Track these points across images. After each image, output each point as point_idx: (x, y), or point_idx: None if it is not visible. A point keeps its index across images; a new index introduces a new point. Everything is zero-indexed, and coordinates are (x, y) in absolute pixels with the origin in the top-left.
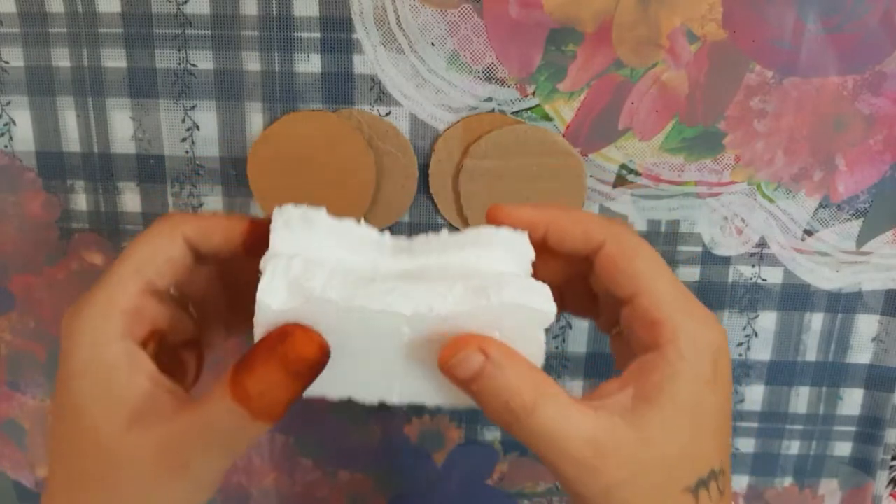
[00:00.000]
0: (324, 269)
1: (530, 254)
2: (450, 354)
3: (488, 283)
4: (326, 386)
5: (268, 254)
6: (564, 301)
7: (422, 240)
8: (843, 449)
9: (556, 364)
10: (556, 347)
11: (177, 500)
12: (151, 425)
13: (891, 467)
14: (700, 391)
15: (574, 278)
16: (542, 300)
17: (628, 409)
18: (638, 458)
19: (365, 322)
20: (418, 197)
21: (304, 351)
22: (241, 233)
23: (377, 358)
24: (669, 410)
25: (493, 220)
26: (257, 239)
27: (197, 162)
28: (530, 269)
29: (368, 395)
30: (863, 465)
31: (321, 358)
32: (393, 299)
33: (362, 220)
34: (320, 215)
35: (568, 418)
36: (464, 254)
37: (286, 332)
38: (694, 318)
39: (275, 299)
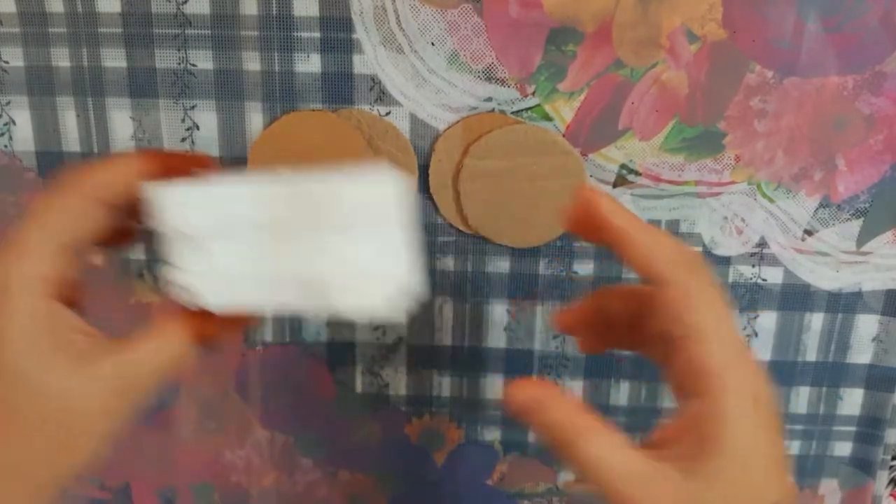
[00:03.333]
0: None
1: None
2: (512, 388)
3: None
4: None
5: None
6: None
7: (293, 202)
8: (843, 449)
9: (556, 364)
10: (557, 347)
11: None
12: (95, 360)
13: (891, 467)
14: (757, 438)
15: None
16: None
17: (683, 460)
18: (696, 499)
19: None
20: (418, 197)
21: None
22: (135, 170)
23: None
24: (731, 462)
25: (581, 204)
26: (152, 173)
27: None
28: (405, 217)
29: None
30: (863, 465)
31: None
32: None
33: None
34: (196, 190)
35: (614, 454)
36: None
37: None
38: (739, 367)
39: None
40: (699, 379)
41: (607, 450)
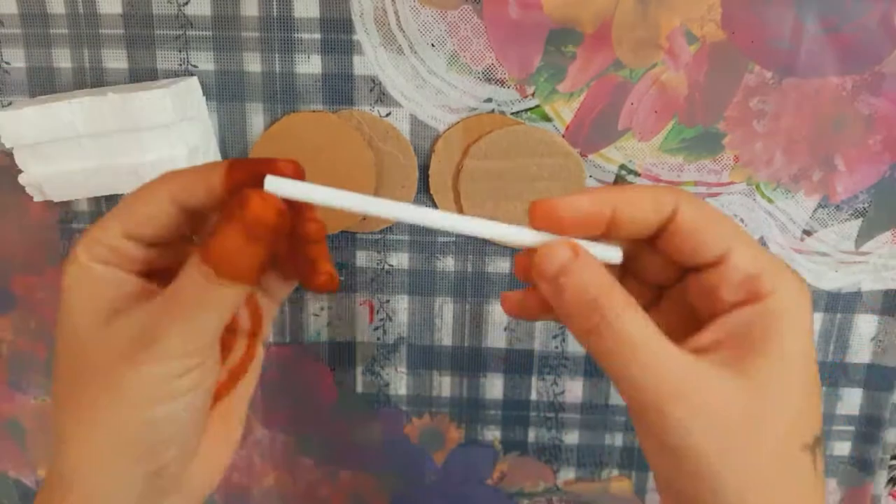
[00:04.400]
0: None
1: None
2: (538, 252)
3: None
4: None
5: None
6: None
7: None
8: (843, 448)
9: (556, 364)
10: (556, 347)
11: (149, 382)
12: (127, 314)
13: (890, 466)
14: (806, 342)
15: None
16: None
17: (731, 361)
18: (751, 407)
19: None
20: (418, 197)
21: (261, 214)
22: (220, 180)
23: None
24: (781, 361)
25: (542, 218)
26: (237, 182)
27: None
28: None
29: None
30: (862, 464)
31: (278, 220)
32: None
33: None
34: (29, 110)
35: (661, 339)
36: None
37: (245, 197)
38: (787, 271)
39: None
40: (746, 287)
41: (653, 334)
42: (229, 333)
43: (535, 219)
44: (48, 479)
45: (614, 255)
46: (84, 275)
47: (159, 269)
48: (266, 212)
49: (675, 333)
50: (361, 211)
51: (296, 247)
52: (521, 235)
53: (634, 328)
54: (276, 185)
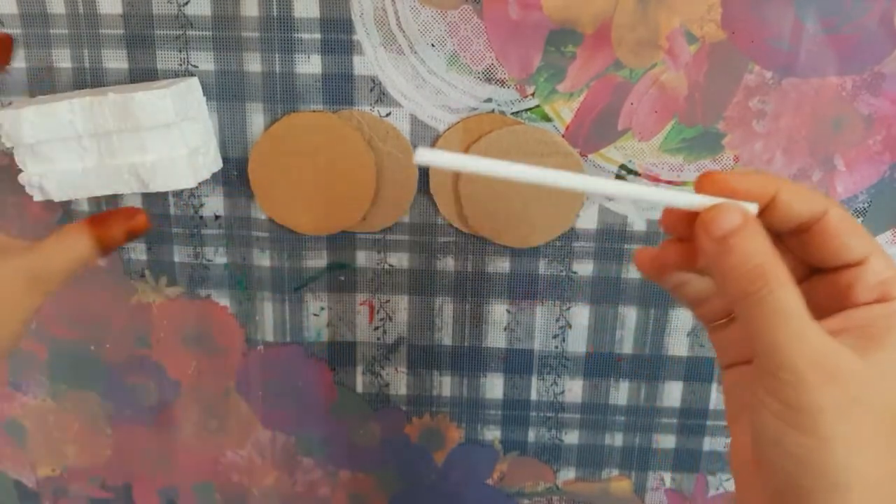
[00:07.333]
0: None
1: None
2: (709, 210)
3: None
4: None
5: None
6: None
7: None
8: None
9: (556, 364)
10: (556, 347)
11: None
12: (12, 257)
13: None
14: None
15: None
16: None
17: (854, 348)
18: (867, 385)
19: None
20: (418, 197)
21: (140, 223)
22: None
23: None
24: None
25: (712, 186)
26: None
27: None
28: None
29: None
30: None
31: (146, 229)
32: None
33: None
34: (29, 109)
35: (808, 313)
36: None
37: (136, 212)
38: None
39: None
40: (883, 287)
41: (800, 306)
42: None
43: (704, 185)
44: None
45: (752, 208)
46: None
47: None
48: (143, 224)
49: None
50: (531, 181)
51: None
52: (691, 200)
53: (791, 300)
54: (429, 156)
